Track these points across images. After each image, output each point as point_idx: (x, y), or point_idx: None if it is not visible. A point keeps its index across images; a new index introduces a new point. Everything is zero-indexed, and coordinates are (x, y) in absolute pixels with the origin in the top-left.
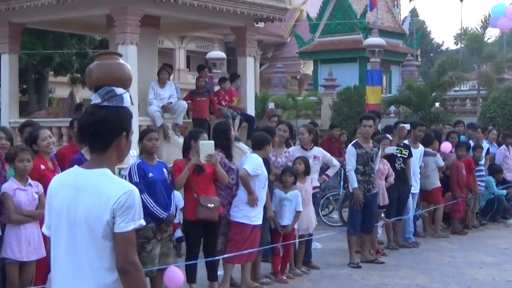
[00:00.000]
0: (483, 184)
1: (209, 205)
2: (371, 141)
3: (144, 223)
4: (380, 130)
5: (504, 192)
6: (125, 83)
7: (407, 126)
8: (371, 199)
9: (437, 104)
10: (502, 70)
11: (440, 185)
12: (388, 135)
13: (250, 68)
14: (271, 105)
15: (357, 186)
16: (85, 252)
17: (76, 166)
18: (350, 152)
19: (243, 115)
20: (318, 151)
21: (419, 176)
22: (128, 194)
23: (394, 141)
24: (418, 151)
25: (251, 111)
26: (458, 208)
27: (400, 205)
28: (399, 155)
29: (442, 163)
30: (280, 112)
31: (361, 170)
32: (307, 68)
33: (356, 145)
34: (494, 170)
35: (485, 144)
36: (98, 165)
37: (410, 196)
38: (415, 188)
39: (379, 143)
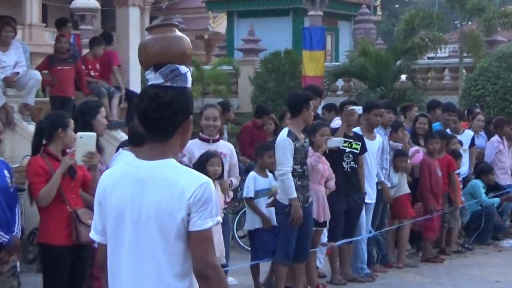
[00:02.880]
0: (466, 190)
1: (89, 221)
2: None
3: (221, 219)
4: (319, 114)
5: (496, 201)
6: (187, 59)
7: (358, 109)
8: (308, 213)
9: (403, 77)
10: (493, 29)
11: (408, 191)
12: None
13: (134, 24)
14: None
15: (296, 195)
16: (153, 257)
17: (133, 157)
18: (286, 146)
19: (125, 92)
20: (225, 146)
21: (379, 179)
22: (205, 186)
23: (340, 130)
24: (376, 143)
25: (135, 85)
26: (432, 226)
27: (350, 221)
28: (347, 149)
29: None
30: None
31: (298, 171)
32: (219, 24)
33: (292, 136)
34: (482, 170)
35: (468, 133)
36: (161, 155)
37: (364, 209)
38: (371, 197)
39: (316, 133)
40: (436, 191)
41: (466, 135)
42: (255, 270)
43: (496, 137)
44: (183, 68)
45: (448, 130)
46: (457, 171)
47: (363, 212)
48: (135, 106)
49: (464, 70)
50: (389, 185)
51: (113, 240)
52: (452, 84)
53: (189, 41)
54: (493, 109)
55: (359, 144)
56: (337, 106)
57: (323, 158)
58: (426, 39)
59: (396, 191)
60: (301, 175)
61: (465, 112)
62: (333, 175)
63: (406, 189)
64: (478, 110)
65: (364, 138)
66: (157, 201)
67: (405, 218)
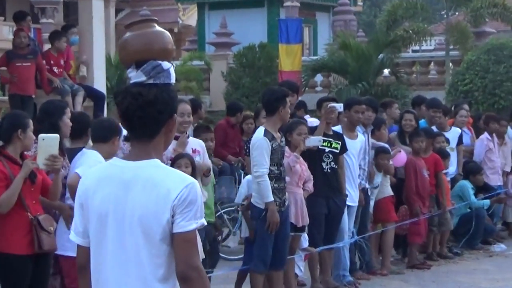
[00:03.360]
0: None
1: (51, 228)
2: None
3: (205, 222)
4: (295, 112)
5: (487, 203)
6: (169, 55)
7: (339, 107)
8: (285, 218)
9: (386, 72)
10: (481, 20)
11: (391, 193)
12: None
13: (98, 17)
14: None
15: (272, 199)
16: (137, 259)
17: (115, 158)
18: (263, 146)
19: (88, 90)
20: (196, 142)
21: (361, 181)
22: (190, 187)
23: (319, 128)
24: (357, 143)
25: (100, 83)
26: (418, 230)
27: (331, 226)
28: (327, 149)
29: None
30: None
31: (275, 173)
32: (189, 16)
33: (269, 136)
34: (471, 170)
35: (455, 131)
36: (145, 156)
37: (346, 212)
38: (353, 200)
39: (293, 131)
40: (422, 193)
41: (453, 133)
42: (241, 277)
43: (485, 135)
44: (166, 64)
45: (434, 128)
46: (445, 171)
47: (345, 215)
48: (117, 105)
49: (451, 64)
50: (366, 186)
51: (96, 243)
52: (438, 78)
53: (170, 36)
54: (482, 105)
55: (339, 143)
56: (306, 103)
57: (301, 158)
58: (410, 31)
59: (378, 193)
60: (278, 176)
61: (452, 108)
62: (311, 177)
63: (389, 191)
64: (463, 105)
65: (345, 137)
66: (142, 202)
67: (388, 222)
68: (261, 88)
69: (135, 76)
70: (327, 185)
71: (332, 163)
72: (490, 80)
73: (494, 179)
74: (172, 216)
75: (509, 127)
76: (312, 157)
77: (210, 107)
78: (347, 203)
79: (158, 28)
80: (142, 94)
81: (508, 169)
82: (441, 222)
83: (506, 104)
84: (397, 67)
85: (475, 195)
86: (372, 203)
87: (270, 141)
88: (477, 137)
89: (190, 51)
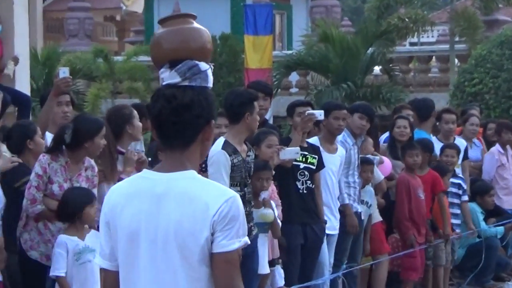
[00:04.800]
0: (459, 218)
1: None
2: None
3: (249, 241)
4: (268, 120)
5: (500, 230)
6: (207, 54)
7: (319, 114)
8: (252, 251)
9: (377, 69)
10: (493, 6)
11: (380, 218)
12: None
13: (20, 2)
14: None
15: None
16: (173, 283)
17: (145, 170)
18: (221, 161)
19: (10, 93)
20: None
21: (342, 201)
22: (231, 202)
23: (296, 137)
24: (336, 158)
25: (23, 83)
26: (413, 264)
27: (308, 258)
28: (302, 165)
29: (380, 177)
30: (83, 86)
31: (239, 195)
32: (135, 1)
33: (229, 149)
34: (479, 190)
35: (460, 142)
36: (180, 166)
37: (325, 243)
38: (333, 227)
39: (261, 143)
40: (417, 219)
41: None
42: None
43: (497, 147)
44: (203, 65)
45: (435, 138)
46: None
47: (324, 246)
48: (148, 109)
49: (456, 60)
50: (359, 209)
51: (126, 264)
52: (440, 78)
53: (209, 34)
54: (494, 110)
55: (315, 158)
56: None
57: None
58: (407, 19)
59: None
60: (242, 200)
61: (460, 114)
62: (280, 202)
63: (377, 217)
64: (474, 111)
65: (323, 150)
66: (177, 218)
67: (380, 253)
68: (223, 89)
69: (168, 76)
70: (303, 209)
71: (309, 182)
72: (504, 79)
73: (508, 201)
74: (212, 234)
75: None
76: (285, 175)
77: None
78: (327, 231)
79: (196, 24)
80: (177, 97)
81: None
82: (437, 254)
83: None
84: (391, 64)
85: (485, 220)
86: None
87: (230, 155)
88: (487, 149)
89: (135, 44)
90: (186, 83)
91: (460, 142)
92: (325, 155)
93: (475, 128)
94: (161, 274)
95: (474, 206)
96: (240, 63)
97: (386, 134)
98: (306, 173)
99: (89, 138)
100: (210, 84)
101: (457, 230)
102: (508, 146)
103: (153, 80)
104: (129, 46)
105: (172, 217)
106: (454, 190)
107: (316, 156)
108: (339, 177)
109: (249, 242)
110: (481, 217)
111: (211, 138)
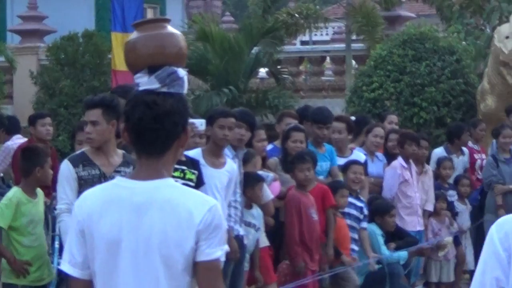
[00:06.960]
0: (358, 243)
1: None
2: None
3: (228, 248)
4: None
5: (403, 255)
6: (183, 60)
7: (200, 124)
8: None
9: (262, 71)
10: (394, 0)
11: (267, 243)
12: None
13: None
14: None
15: None
16: None
17: (119, 178)
18: (63, 173)
19: None
20: None
21: (233, 225)
22: (214, 210)
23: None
24: (223, 173)
25: None
26: None
27: None
28: (180, 181)
29: (269, 196)
30: None
31: None
32: None
33: (78, 159)
34: (379, 209)
35: (358, 156)
36: (157, 174)
37: None
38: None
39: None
40: (309, 242)
41: (354, 158)
42: None
43: (399, 161)
44: (181, 72)
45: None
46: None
47: None
48: (126, 115)
49: (353, 61)
50: (240, 232)
51: (104, 274)
52: (335, 81)
53: (184, 38)
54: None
55: (195, 174)
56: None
57: None
58: (297, 15)
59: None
60: None
61: (379, 119)
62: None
63: (264, 241)
64: (392, 117)
65: (207, 165)
66: (161, 228)
67: (266, 283)
68: (86, 94)
69: (146, 82)
70: None
71: None
72: (406, 84)
73: (412, 222)
74: (196, 243)
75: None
76: None
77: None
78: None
79: (170, 28)
80: (158, 103)
81: (430, 208)
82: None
83: (429, 118)
84: (279, 66)
85: (385, 244)
86: (247, 256)
87: (76, 167)
88: (388, 163)
89: None
90: (165, 89)
91: (358, 155)
92: (209, 170)
93: (378, 140)
94: (143, 283)
95: (373, 227)
96: (107, 65)
97: (271, 146)
98: None
99: None
100: (185, 90)
101: (354, 255)
102: (411, 160)
103: (6, 83)
104: None
105: (155, 227)
106: (355, 213)
107: (196, 172)
108: (228, 196)
109: (228, 249)
110: (381, 240)
111: (185, 146)
